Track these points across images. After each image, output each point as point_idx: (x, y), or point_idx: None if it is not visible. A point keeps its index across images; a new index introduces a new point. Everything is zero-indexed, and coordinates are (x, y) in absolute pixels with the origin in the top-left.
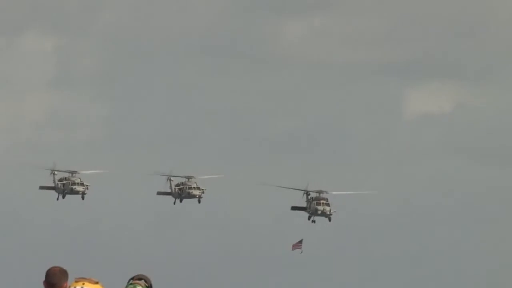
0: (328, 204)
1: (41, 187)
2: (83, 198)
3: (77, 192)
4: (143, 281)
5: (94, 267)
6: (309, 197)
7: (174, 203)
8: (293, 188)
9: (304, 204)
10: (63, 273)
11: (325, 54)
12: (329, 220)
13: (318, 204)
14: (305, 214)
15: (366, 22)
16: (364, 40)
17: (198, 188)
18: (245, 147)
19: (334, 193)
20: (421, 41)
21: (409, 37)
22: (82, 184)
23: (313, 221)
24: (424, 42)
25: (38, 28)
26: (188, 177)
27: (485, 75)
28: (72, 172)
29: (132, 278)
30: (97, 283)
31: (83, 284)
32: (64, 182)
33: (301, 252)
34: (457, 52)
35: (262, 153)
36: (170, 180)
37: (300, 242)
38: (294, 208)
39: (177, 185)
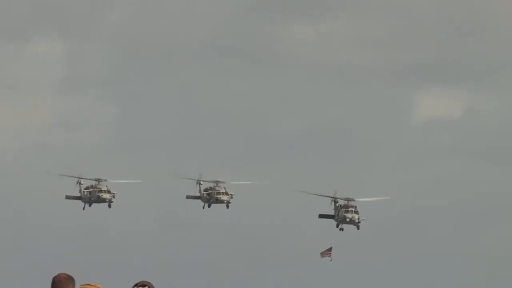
0: (356, 212)
1: (68, 197)
2: (110, 206)
3: (104, 200)
4: (146, 287)
5: (118, 273)
6: (337, 204)
7: (203, 207)
8: (321, 195)
9: (331, 212)
10: (69, 280)
11: (338, 56)
12: (358, 228)
13: (347, 211)
14: (333, 222)
15: (375, 24)
16: (372, 43)
17: (227, 194)
18: (268, 152)
19: (362, 200)
20: (430, 44)
21: (417, 41)
22: (109, 192)
23: (341, 229)
24: (433, 46)
25: (47, 31)
26: (217, 182)
27: (495, 79)
28: (99, 180)
29: (136, 285)
30: None
31: None
32: (91, 190)
33: (331, 260)
34: (466, 56)
35: (287, 158)
36: (200, 184)
37: (330, 250)
38: (321, 216)
39: (206, 190)
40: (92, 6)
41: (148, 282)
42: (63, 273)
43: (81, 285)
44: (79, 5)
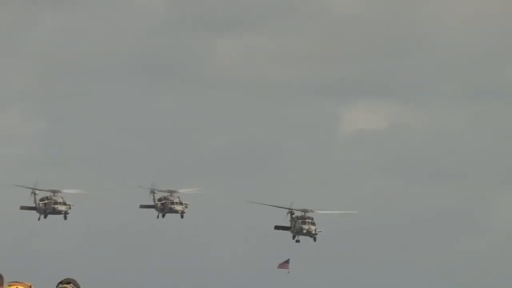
0: (313, 224)
1: (22, 207)
2: (65, 218)
3: (59, 212)
4: (71, 284)
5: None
6: (293, 216)
7: (158, 217)
8: (277, 206)
9: (287, 223)
10: None
11: (260, 73)
12: (314, 240)
13: (304, 223)
14: (289, 234)
15: (300, 40)
16: (298, 59)
17: (181, 203)
18: (224, 163)
19: (320, 212)
20: (355, 59)
21: (343, 56)
22: (64, 204)
23: (297, 241)
24: (358, 61)
25: None
26: (171, 192)
27: (419, 94)
28: (54, 191)
29: (61, 282)
30: (30, 286)
31: (16, 287)
32: (46, 201)
33: (288, 272)
34: (391, 70)
35: (240, 170)
36: (154, 193)
37: (287, 261)
38: (277, 227)
39: (160, 199)
40: (15, 22)
41: (73, 279)
42: None
43: (9, 282)
44: (2, 20)
